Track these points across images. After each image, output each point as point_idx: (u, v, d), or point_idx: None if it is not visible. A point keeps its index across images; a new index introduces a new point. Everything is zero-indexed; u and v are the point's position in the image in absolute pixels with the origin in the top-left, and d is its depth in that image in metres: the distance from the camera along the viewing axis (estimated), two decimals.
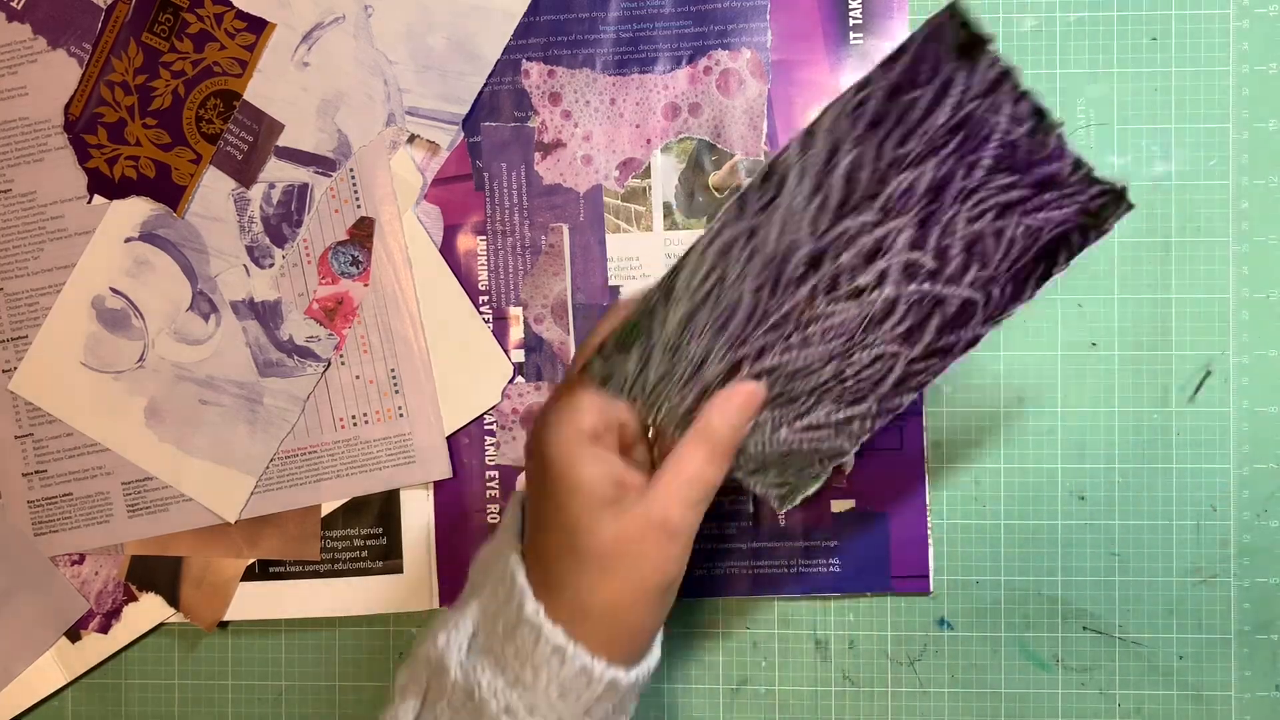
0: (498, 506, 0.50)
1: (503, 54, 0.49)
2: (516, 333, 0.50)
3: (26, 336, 0.51)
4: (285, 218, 0.50)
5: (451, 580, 0.50)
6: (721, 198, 0.49)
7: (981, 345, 0.35)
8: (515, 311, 0.50)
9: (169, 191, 0.50)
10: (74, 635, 0.52)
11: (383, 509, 0.51)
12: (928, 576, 0.49)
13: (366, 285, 0.50)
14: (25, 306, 0.51)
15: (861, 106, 0.33)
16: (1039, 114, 0.32)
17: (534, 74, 0.50)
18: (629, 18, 0.49)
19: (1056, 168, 0.33)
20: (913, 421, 0.49)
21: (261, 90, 0.49)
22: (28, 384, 0.51)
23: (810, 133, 0.33)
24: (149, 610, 0.51)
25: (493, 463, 0.50)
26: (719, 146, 0.49)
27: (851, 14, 0.48)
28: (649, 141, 0.49)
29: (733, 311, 0.35)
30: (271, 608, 0.51)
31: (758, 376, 0.36)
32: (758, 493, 0.37)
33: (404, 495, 0.51)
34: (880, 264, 0.34)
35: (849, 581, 0.49)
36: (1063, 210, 0.33)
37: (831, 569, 0.49)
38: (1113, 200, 0.33)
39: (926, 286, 0.34)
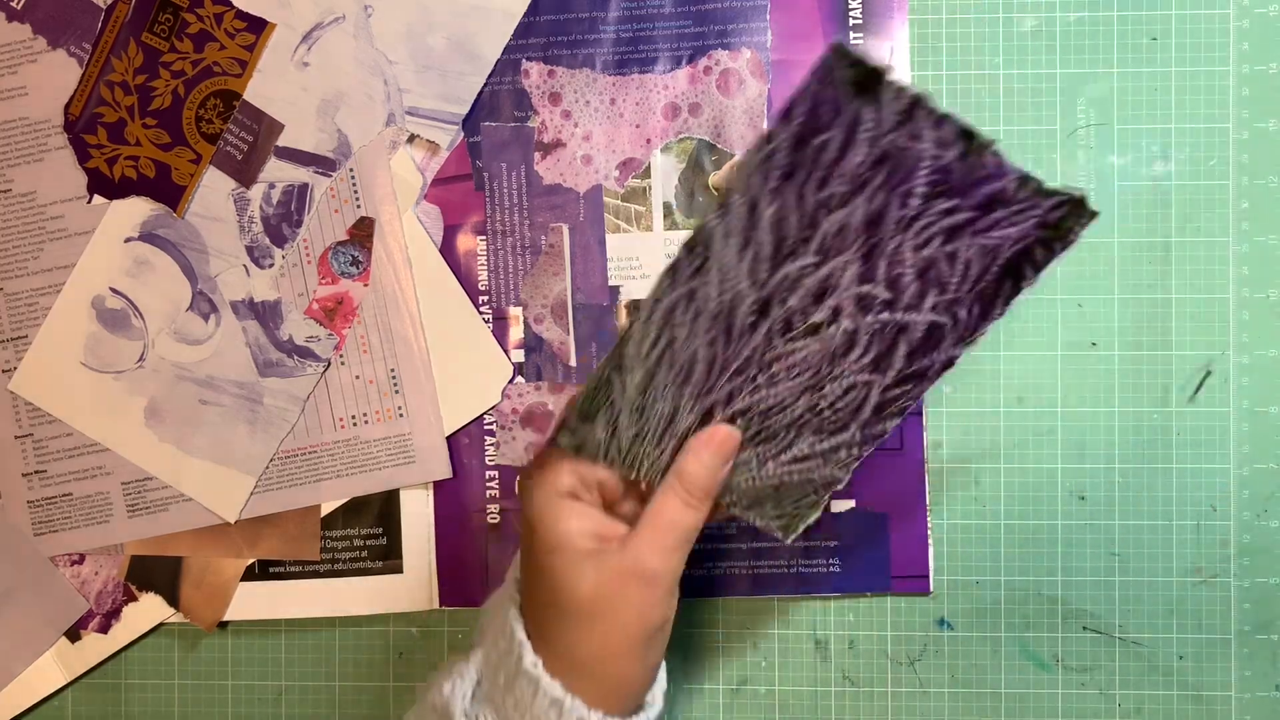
0: (498, 506, 0.50)
1: (503, 54, 0.49)
2: (516, 333, 0.50)
3: (26, 336, 0.51)
4: (285, 218, 0.50)
5: (451, 580, 0.50)
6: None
7: (960, 363, 0.35)
8: (515, 311, 0.50)
9: (169, 191, 0.50)
10: (74, 635, 0.52)
11: (383, 509, 0.51)
12: (928, 576, 0.49)
13: (366, 285, 0.50)
14: (25, 306, 0.51)
15: (769, 161, 0.33)
16: (966, 134, 0.32)
17: (534, 74, 0.50)
18: (629, 18, 0.49)
19: (1000, 185, 0.32)
20: (913, 421, 0.49)
21: (261, 90, 0.49)
22: (28, 384, 0.51)
23: (725, 195, 0.33)
24: (149, 610, 0.51)
25: (493, 463, 0.50)
26: (719, 146, 0.49)
27: (851, 14, 0.48)
28: (649, 141, 0.49)
29: (692, 366, 0.35)
30: (271, 608, 0.51)
31: (731, 419, 0.36)
32: (759, 526, 0.37)
33: (404, 495, 0.51)
34: (831, 301, 0.34)
35: (849, 581, 0.49)
36: (1017, 226, 0.33)
37: (831, 569, 0.49)
38: (1072, 210, 0.32)
39: (885, 316, 0.34)
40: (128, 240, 0.50)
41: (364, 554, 0.51)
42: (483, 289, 0.50)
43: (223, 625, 0.52)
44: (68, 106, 0.50)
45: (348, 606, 0.51)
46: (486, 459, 0.50)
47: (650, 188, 0.49)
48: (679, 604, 0.36)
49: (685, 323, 0.35)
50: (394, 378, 0.50)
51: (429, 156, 0.50)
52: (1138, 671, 0.48)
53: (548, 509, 0.35)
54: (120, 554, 0.51)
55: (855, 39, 0.48)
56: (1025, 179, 0.32)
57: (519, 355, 0.50)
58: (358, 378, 0.50)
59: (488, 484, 0.50)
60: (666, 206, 0.49)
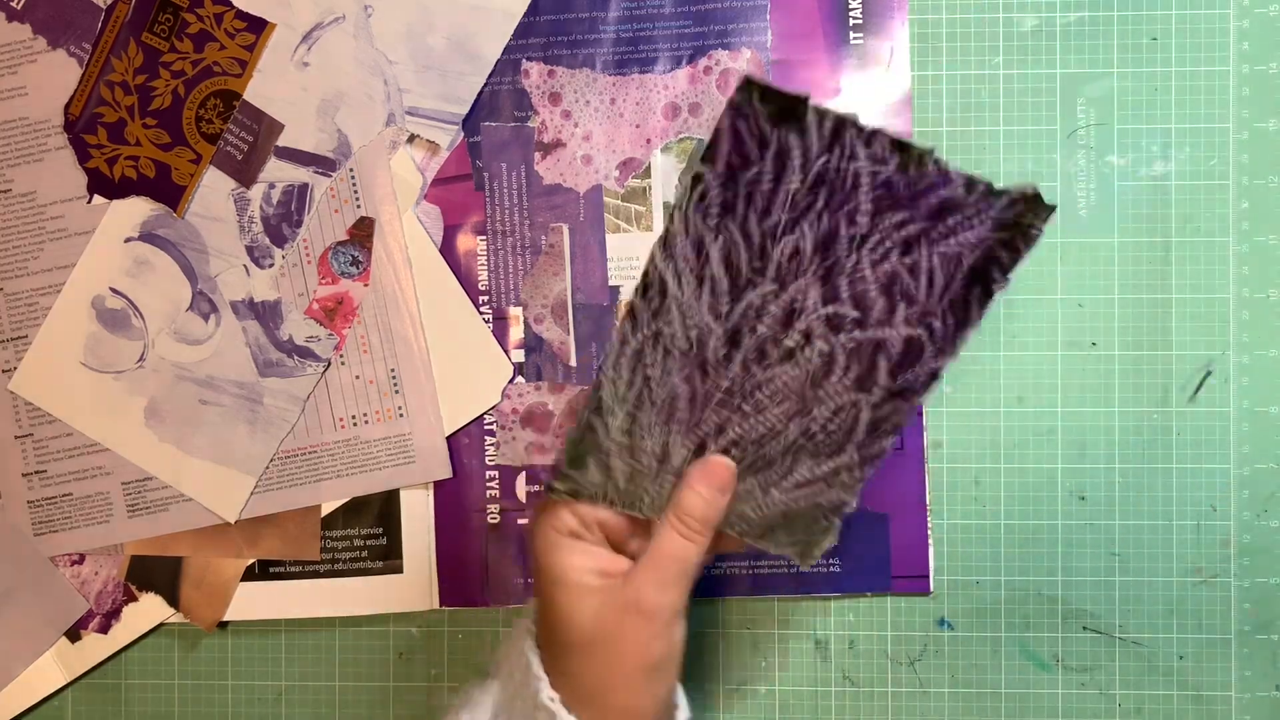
0: (498, 506, 0.50)
1: (503, 54, 0.49)
2: (516, 333, 0.50)
3: (26, 336, 0.51)
4: (285, 218, 0.50)
5: (451, 580, 0.50)
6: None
7: (945, 375, 0.35)
8: (515, 311, 0.50)
9: (169, 191, 0.50)
10: (74, 635, 0.52)
11: (383, 509, 0.51)
12: (928, 576, 0.49)
13: (366, 285, 0.50)
14: (25, 306, 0.51)
15: (704, 200, 0.33)
16: (900, 146, 0.32)
17: (534, 74, 0.50)
18: (629, 18, 0.49)
19: (947, 192, 0.32)
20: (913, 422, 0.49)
21: (261, 90, 0.49)
22: (28, 384, 0.51)
23: (666, 238, 0.33)
24: (149, 610, 0.51)
25: (493, 463, 0.50)
26: None
27: (851, 14, 0.48)
28: (649, 141, 0.49)
29: (673, 402, 0.35)
30: (271, 608, 0.51)
31: (725, 450, 0.36)
32: (776, 553, 0.37)
33: (404, 495, 0.51)
34: (800, 324, 0.34)
35: (849, 581, 0.49)
36: (974, 230, 0.32)
37: (831, 569, 0.49)
38: (1028, 206, 0.32)
39: (857, 334, 0.34)
40: (128, 240, 0.50)
41: (364, 554, 0.51)
42: (483, 289, 0.50)
43: (223, 625, 0.52)
44: (68, 106, 0.50)
45: (348, 606, 0.51)
46: (486, 459, 0.50)
47: (650, 188, 0.49)
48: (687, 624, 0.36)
49: (657, 362, 0.35)
50: (394, 378, 0.50)
51: (429, 156, 0.50)
52: (1138, 671, 0.48)
53: (550, 547, 0.36)
54: (120, 554, 0.51)
55: (855, 39, 0.48)
56: (971, 182, 0.32)
57: (519, 355, 0.50)
58: (358, 378, 0.50)
59: (488, 484, 0.50)
60: (666, 206, 0.49)
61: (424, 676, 0.51)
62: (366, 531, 0.51)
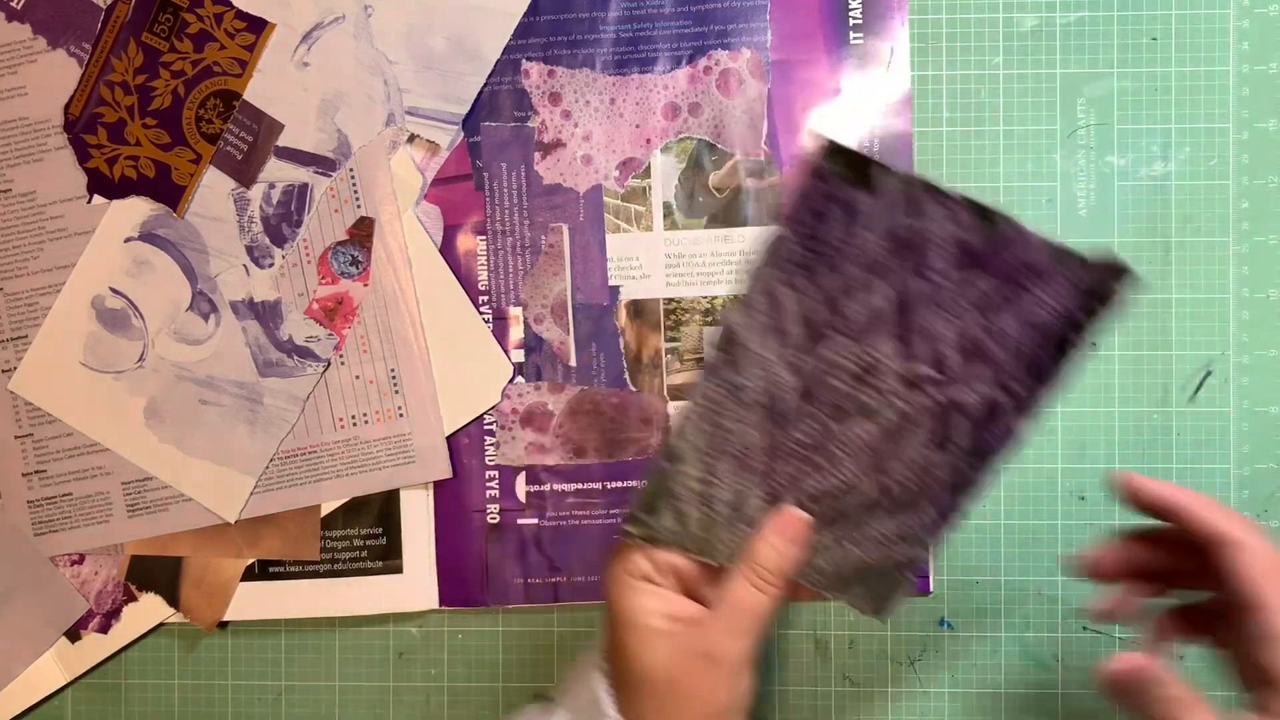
0: (498, 506, 0.50)
1: (503, 54, 0.49)
2: (516, 333, 0.50)
3: (26, 336, 0.51)
4: (285, 218, 0.50)
5: (451, 580, 0.50)
6: (722, 197, 0.49)
7: (1025, 435, 0.34)
8: (515, 311, 0.50)
9: (169, 191, 0.50)
10: (74, 635, 0.52)
11: (383, 509, 0.51)
12: (928, 576, 0.49)
13: (366, 285, 0.50)
14: (25, 306, 0.51)
15: (781, 258, 0.33)
16: (978, 210, 0.32)
17: (534, 74, 0.50)
18: (629, 18, 0.49)
19: (1025, 255, 0.32)
20: None
21: (261, 90, 0.49)
22: (28, 384, 0.51)
23: (744, 296, 0.34)
24: (149, 610, 0.51)
25: (493, 463, 0.50)
26: (719, 146, 0.49)
27: (851, 14, 0.48)
28: (649, 141, 0.49)
29: (748, 452, 0.35)
30: (271, 608, 0.51)
31: (799, 503, 0.36)
32: (849, 605, 0.37)
33: (404, 495, 0.51)
34: (876, 382, 0.34)
35: None
36: (1053, 293, 0.32)
37: None
38: (1109, 271, 0.32)
39: (934, 393, 0.34)
40: (128, 240, 0.50)
41: (364, 554, 0.51)
42: (483, 289, 0.50)
43: (223, 625, 0.52)
44: (68, 106, 0.50)
45: (348, 606, 0.51)
46: (486, 459, 0.50)
47: (650, 188, 0.49)
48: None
49: (731, 413, 0.35)
50: (394, 378, 0.50)
51: (429, 156, 0.50)
52: None
53: (623, 590, 0.36)
54: (120, 554, 0.51)
55: (855, 39, 0.48)
56: (1051, 246, 0.32)
57: (519, 355, 0.50)
58: (358, 378, 0.50)
59: (488, 484, 0.50)
60: (666, 206, 0.49)
61: (424, 676, 0.51)
62: (366, 531, 0.51)
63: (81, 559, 0.52)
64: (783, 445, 0.35)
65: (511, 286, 0.50)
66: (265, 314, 0.50)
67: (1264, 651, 0.31)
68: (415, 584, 0.50)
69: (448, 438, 0.50)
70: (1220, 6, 0.48)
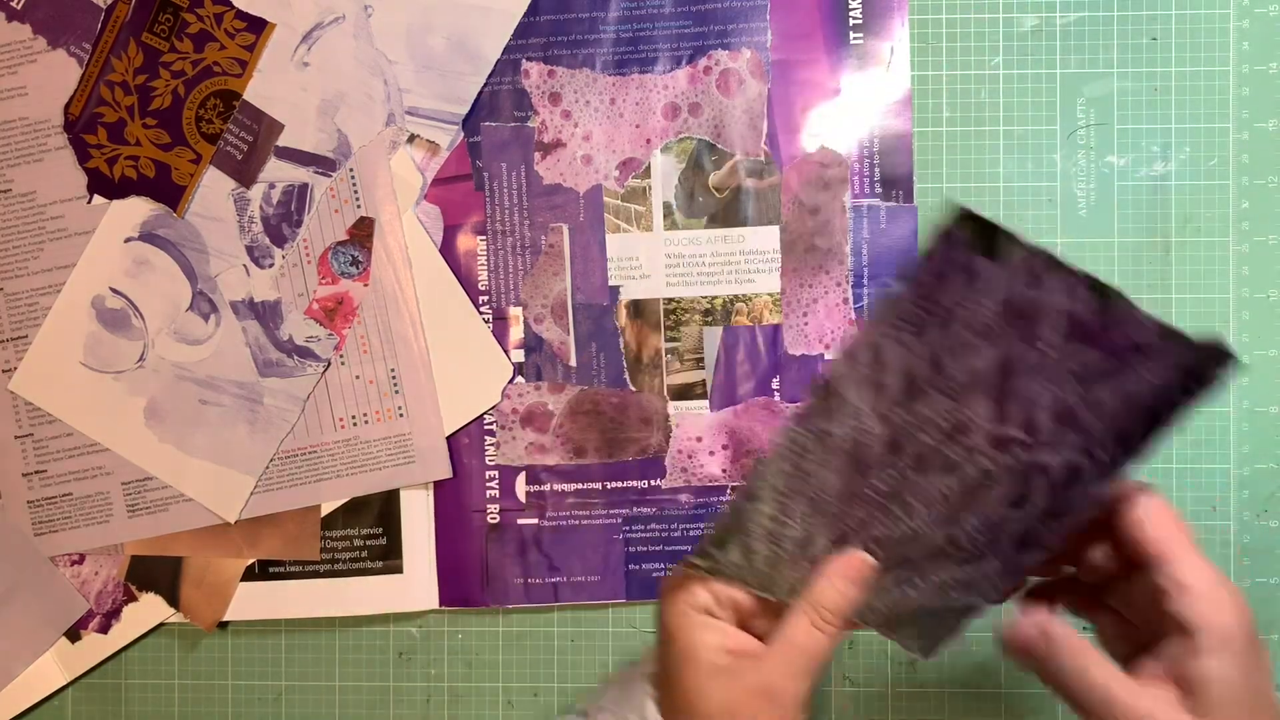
0: (498, 506, 0.50)
1: (503, 54, 0.49)
2: (516, 333, 0.50)
3: (26, 336, 0.51)
4: (285, 218, 0.50)
5: (451, 580, 0.50)
6: (722, 197, 0.49)
7: (1102, 498, 0.34)
8: (515, 311, 0.50)
9: (169, 191, 0.50)
10: (74, 635, 0.52)
11: (383, 509, 0.51)
12: None
13: (366, 285, 0.50)
14: (25, 306, 0.51)
15: (894, 314, 0.34)
16: (1095, 286, 0.32)
17: (534, 74, 0.50)
18: (629, 18, 0.49)
19: (1133, 333, 0.32)
20: None
21: (261, 90, 0.49)
22: (28, 384, 0.51)
23: (851, 350, 0.34)
24: (149, 610, 0.51)
25: (493, 463, 0.50)
26: (719, 146, 0.49)
27: (851, 14, 0.48)
28: (649, 141, 0.49)
29: (824, 494, 0.36)
30: (271, 608, 0.51)
31: (865, 546, 0.36)
32: (899, 644, 0.37)
33: (404, 495, 0.51)
34: (965, 440, 0.34)
35: None
36: (1158, 374, 0.33)
37: None
38: (1213, 355, 0.32)
39: (1022, 455, 0.34)
40: (128, 240, 0.50)
41: (364, 554, 0.51)
42: (483, 289, 0.50)
43: (223, 625, 0.52)
44: (68, 106, 0.50)
45: (348, 606, 0.51)
46: (486, 459, 0.50)
47: (650, 188, 0.49)
48: None
49: (815, 457, 0.35)
50: (394, 378, 0.50)
51: (429, 156, 0.50)
52: None
53: (683, 622, 0.36)
54: (120, 554, 0.51)
55: (855, 39, 0.48)
56: (1167, 331, 0.32)
57: (519, 355, 0.50)
58: (358, 378, 0.50)
59: (488, 484, 0.50)
60: (666, 206, 0.49)
61: (424, 676, 0.51)
62: (366, 531, 0.51)
63: (81, 559, 0.52)
64: (859, 492, 0.36)
65: (511, 286, 0.50)
66: (265, 314, 0.50)
67: (1175, 601, 0.32)
68: (415, 584, 0.50)
69: (448, 438, 0.50)
70: (1220, 6, 0.48)
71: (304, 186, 0.50)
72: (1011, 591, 0.36)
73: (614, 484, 0.50)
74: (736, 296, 0.49)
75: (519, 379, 0.50)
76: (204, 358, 0.50)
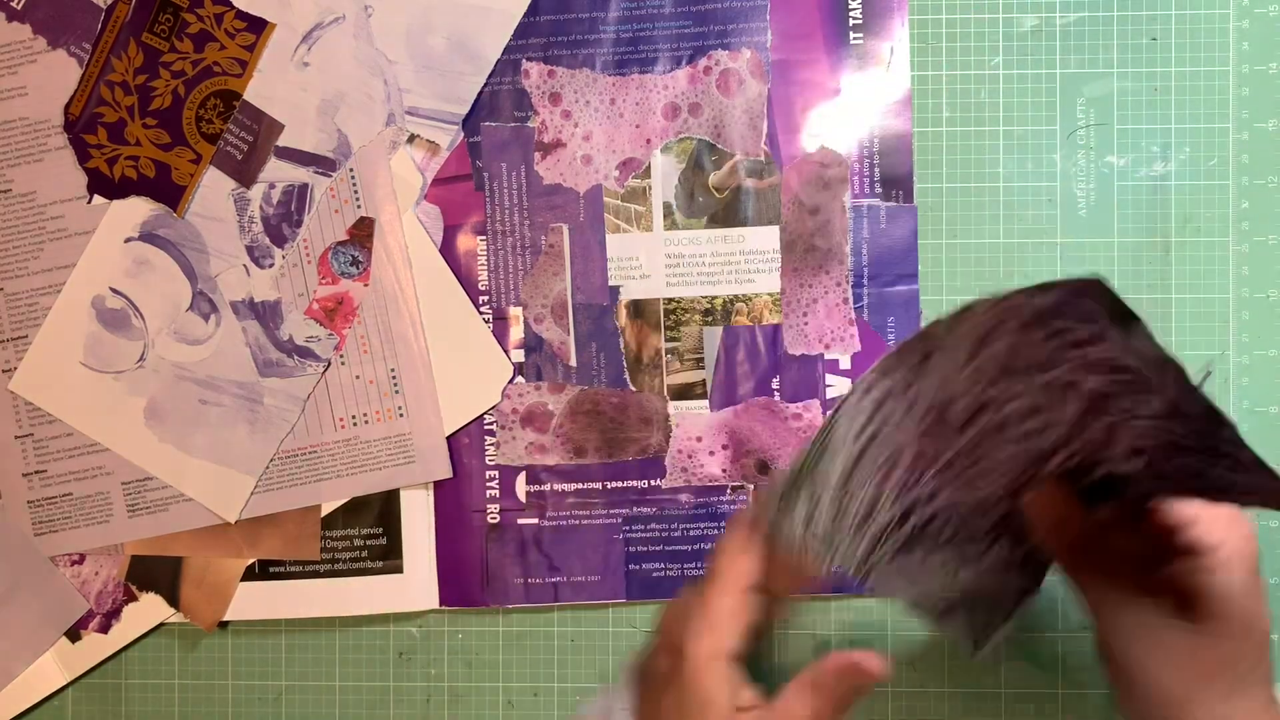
0: (498, 506, 0.50)
1: (503, 54, 0.49)
2: (516, 333, 0.50)
3: (26, 336, 0.51)
4: (285, 218, 0.50)
5: (451, 580, 0.50)
6: (722, 197, 0.49)
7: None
8: (515, 311, 0.50)
9: (169, 191, 0.50)
10: (74, 635, 0.52)
11: (383, 509, 0.51)
12: None
13: (366, 285, 0.50)
14: (25, 306, 0.51)
15: (1014, 306, 0.32)
16: (1209, 410, 0.31)
17: (534, 74, 0.50)
18: (629, 18, 0.49)
19: (1236, 454, 0.31)
20: None
21: (261, 90, 0.49)
22: (28, 384, 0.51)
23: (962, 314, 0.32)
24: (149, 610, 0.51)
25: (493, 463, 0.50)
26: (719, 146, 0.49)
27: (851, 14, 0.48)
28: (649, 141, 0.49)
29: (897, 457, 0.34)
30: (271, 608, 0.51)
31: (928, 520, 0.35)
32: (948, 635, 0.37)
33: (404, 495, 0.51)
34: (1044, 416, 0.33)
35: (849, 581, 0.49)
36: (1235, 481, 0.32)
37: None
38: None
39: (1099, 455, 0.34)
40: (128, 240, 0.50)
41: (364, 554, 0.51)
42: (483, 289, 0.50)
43: (223, 625, 0.52)
44: (68, 106, 0.50)
45: (348, 606, 0.51)
46: (486, 459, 0.50)
47: (650, 188, 0.49)
48: None
49: (897, 412, 0.34)
50: (394, 378, 0.50)
51: (429, 156, 0.50)
52: None
53: (711, 670, 0.35)
54: (120, 554, 0.51)
55: (855, 39, 0.48)
56: (1262, 465, 0.31)
57: (519, 355, 0.50)
58: (358, 378, 0.50)
59: (488, 484, 0.50)
60: (666, 206, 0.49)
61: (424, 676, 0.51)
62: (366, 531, 0.51)
63: (81, 559, 0.52)
64: (936, 454, 0.34)
65: (511, 286, 0.50)
66: (265, 314, 0.50)
67: (1188, 533, 0.34)
68: (415, 584, 0.50)
69: (448, 438, 0.50)
70: (1220, 6, 0.48)
71: (304, 186, 0.50)
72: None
73: (614, 484, 0.50)
74: (736, 296, 0.49)
75: (519, 379, 0.50)
76: (204, 358, 0.50)
